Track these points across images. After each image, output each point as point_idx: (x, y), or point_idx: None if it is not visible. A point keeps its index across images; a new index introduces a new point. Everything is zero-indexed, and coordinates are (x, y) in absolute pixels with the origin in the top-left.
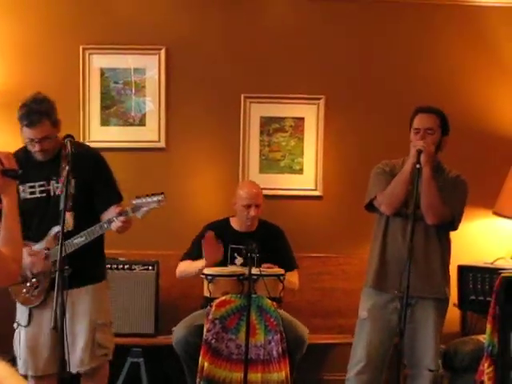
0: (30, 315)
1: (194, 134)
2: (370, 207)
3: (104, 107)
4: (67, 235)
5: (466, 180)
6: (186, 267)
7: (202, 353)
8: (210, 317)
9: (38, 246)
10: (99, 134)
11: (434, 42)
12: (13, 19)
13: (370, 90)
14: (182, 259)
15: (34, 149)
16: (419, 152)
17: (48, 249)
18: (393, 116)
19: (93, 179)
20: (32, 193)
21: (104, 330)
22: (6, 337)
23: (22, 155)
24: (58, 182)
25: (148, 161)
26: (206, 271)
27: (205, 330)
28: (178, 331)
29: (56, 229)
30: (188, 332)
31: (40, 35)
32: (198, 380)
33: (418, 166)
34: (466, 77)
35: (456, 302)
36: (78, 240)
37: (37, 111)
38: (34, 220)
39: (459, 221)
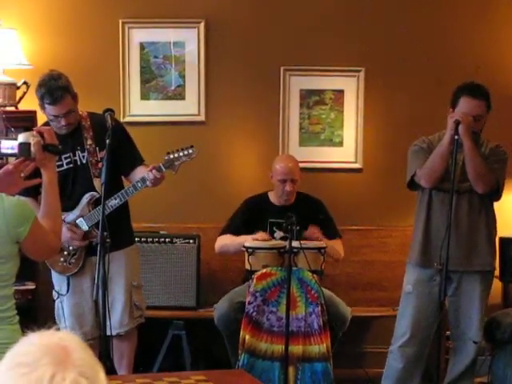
0: (69, 284)
1: (234, 107)
2: (412, 185)
3: (144, 81)
4: (98, 201)
5: (505, 149)
6: (228, 242)
7: (243, 326)
8: (251, 289)
9: (71, 215)
10: (139, 108)
11: (475, 16)
12: None
13: (410, 61)
14: (221, 234)
15: (60, 124)
16: (457, 123)
17: (82, 216)
18: (433, 88)
19: (117, 145)
20: (59, 165)
21: (138, 291)
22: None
23: None
24: (83, 151)
25: (188, 134)
26: (247, 244)
27: (246, 302)
28: (220, 308)
29: (88, 195)
30: (230, 309)
31: (79, 10)
32: (239, 353)
33: (456, 137)
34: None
35: (498, 274)
36: (113, 202)
37: (58, 87)
38: (65, 191)
39: (503, 189)
